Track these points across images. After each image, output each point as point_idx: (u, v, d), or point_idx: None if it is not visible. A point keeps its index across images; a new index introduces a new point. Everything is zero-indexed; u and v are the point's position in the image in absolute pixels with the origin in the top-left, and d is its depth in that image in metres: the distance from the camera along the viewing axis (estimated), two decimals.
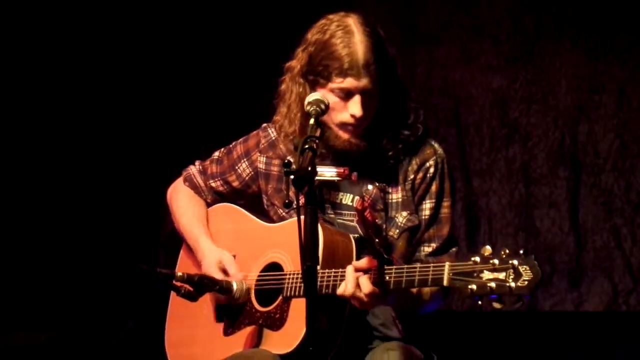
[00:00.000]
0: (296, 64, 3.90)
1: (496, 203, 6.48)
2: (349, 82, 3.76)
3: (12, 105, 6.52)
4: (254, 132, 4.12)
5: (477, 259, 3.35)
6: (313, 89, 3.83)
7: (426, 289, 3.71)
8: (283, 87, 3.96)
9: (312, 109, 3.60)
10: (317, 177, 3.39)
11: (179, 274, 3.80)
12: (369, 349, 3.84)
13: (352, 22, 3.80)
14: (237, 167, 4.11)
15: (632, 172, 6.32)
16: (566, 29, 6.39)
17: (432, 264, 3.49)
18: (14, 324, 6.43)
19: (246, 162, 4.10)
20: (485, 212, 6.48)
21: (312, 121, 3.56)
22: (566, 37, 6.39)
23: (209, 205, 4.20)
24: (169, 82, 6.69)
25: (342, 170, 3.81)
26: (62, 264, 6.50)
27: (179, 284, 3.81)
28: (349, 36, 3.76)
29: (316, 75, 3.81)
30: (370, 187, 3.88)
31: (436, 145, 3.92)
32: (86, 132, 6.63)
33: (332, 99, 3.77)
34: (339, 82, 3.77)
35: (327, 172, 3.82)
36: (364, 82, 3.75)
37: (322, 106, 3.62)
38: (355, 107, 3.77)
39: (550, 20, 6.41)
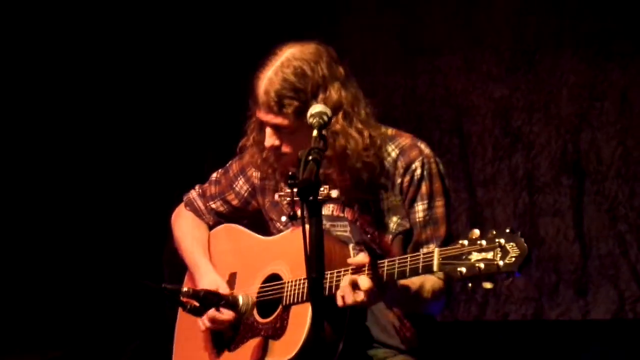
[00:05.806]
0: None
1: (501, 212, 6.47)
2: (258, 115, 3.81)
3: (15, 128, 6.55)
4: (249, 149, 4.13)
5: (465, 242, 3.38)
6: None
7: (427, 287, 3.71)
8: None
9: (315, 120, 3.58)
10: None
11: (185, 289, 3.81)
12: (369, 356, 3.83)
13: (280, 55, 3.76)
14: (234, 185, 4.14)
15: (635, 179, 6.31)
16: (566, 37, 6.39)
17: (422, 253, 3.50)
18: (18, 344, 6.42)
19: (243, 179, 4.12)
20: (490, 221, 6.47)
21: (315, 133, 3.55)
22: (566, 45, 6.39)
23: (211, 227, 4.21)
24: (173, 94, 6.71)
25: (322, 191, 3.81)
26: (66, 283, 6.50)
27: (185, 299, 3.81)
28: (263, 69, 3.76)
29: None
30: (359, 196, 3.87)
31: (422, 146, 3.85)
32: (90, 147, 6.64)
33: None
34: (255, 113, 3.84)
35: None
36: (269, 116, 3.76)
37: (325, 117, 3.58)
38: (266, 138, 3.80)
39: (549, 28, 6.41)
